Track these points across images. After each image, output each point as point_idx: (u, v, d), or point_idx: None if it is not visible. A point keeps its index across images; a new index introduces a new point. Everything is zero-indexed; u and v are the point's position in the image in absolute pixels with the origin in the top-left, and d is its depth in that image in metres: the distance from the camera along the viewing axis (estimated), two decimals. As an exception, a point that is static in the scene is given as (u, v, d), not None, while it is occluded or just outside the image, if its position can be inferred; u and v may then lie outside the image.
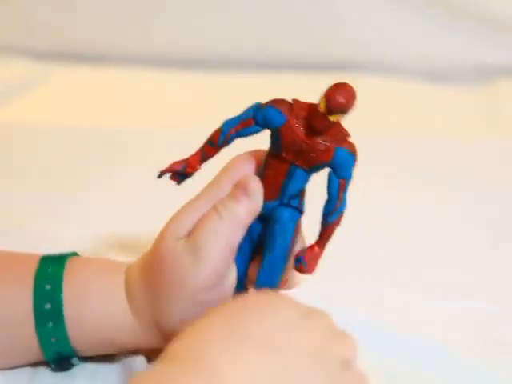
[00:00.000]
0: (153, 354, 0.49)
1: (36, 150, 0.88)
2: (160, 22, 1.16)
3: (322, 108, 0.42)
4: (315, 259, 0.46)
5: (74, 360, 0.48)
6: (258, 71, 1.05)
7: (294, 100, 0.44)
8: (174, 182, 0.47)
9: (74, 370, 0.49)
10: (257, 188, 0.45)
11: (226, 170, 0.47)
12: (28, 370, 0.49)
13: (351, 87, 0.41)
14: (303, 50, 1.13)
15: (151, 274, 0.46)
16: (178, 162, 0.47)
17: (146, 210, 0.69)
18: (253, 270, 0.47)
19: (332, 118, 0.42)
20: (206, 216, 0.45)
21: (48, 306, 0.46)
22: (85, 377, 0.49)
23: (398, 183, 0.80)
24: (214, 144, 0.45)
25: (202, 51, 1.16)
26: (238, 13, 1.14)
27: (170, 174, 0.47)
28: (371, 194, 0.72)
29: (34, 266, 0.47)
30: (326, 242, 0.46)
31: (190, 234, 0.45)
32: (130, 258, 0.59)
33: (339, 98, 0.41)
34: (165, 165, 0.47)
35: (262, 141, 0.46)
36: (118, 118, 0.99)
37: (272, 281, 0.46)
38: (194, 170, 0.46)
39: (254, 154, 0.47)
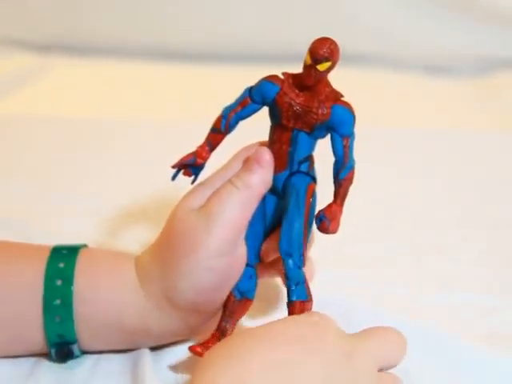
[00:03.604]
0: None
1: (36, 142, 0.88)
2: (160, 15, 1.15)
3: (308, 61, 0.44)
4: (336, 217, 0.46)
5: (75, 347, 0.48)
6: (260, 63, 1.06)
7: (283, 73, 0.46)
8: (189, 179, 0.48)
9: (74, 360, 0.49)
10: (269, 158, 0.47)
11: (235, 155, 0.49)
12: (31, 359, 0.49)
13: (332, 39, 0.44)
14: (304, 41, 1.13)
15: (164, 247, 0.47)
16: (187, 155, 0.48)
17: (147, 199, 0.69)
18: (267, 247, 0.48)
19: (320, 68, 0.44)
20: (220, 187, 0.47)
21: (59, 282, 0.46)
22: (86, 366, 0.49)
23: (397, 175, 0.80)
24: (218, 130, 0.47)
25: (203, 44, 1.16)
26: (241, 6, 1.13)
27: (182, 170, 0.48)
28: (371, 186, 0.72)
29: (47, 249, 0.48)
30: (343, 200, 0.46)
31: (204, 204, 0.46)
32: (131, 247, 0.59)
33: (322, 47, 0.43)
34: (164, 157, 0.47)
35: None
36: (117, 110, 0.99)
37: (292, 248, 0.46)
38: (204, 159, 0.47)
39: (260, 143, 0.49)
